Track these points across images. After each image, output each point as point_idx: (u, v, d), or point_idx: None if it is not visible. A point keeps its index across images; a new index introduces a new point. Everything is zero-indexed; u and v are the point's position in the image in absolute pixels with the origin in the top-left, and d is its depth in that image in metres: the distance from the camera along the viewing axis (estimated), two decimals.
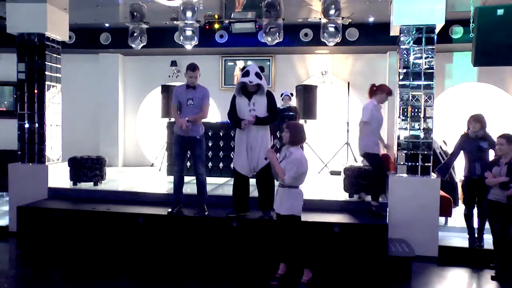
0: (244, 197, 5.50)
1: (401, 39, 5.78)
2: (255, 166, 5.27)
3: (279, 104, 7.96)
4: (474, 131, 5.64)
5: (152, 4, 7.10)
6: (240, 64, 10.08)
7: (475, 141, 5.63)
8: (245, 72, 5.22)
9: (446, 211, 6.17)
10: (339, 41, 6.97)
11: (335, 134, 9.80)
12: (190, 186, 6.35)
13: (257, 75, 5.17)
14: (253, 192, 5.75)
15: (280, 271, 4.78)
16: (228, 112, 5.44)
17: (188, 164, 6.69)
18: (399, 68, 5.83)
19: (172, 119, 6.70)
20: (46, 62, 6.76)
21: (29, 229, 5.94)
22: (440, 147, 7.59)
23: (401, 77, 5.81)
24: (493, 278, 4.92)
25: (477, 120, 5.66)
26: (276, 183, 4.88)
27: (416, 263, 5.22)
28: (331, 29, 6.74)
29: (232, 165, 5.46)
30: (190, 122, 5.39)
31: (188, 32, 7.17)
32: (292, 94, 8.67)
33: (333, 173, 8.74)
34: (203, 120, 5.68)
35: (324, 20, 6.75)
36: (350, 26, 8.31)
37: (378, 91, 5.82)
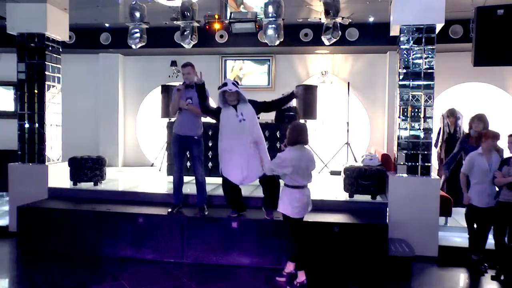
0: (238, 197, 5.54)
1: (401, 39, 5.78)
2: (252, 177, 5.22)
3: None
4: (476, 131, 5.65)
5: (152, 4, 7.10)
6: (237, 64, 10.11)
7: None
8: (223, 84, 5.34)
9: (446, 211, 6.16)
10: (335, 40, 6.97)
11: (335, 134, 9.81)
12: (190, 186, 6.35)
13: (234, 85, 5.25)
14: (253, 192, 5.76)
15: (287, 269, 4.80)
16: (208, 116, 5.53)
17: (188, 164, 6.69)
18: (399, 68, 5.82)
19: (172, 119, 6.69)
20: (46, 62, 6.77)
21: (29, 229, 5.93)
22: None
23: (401, 77, 5.81)
24: (493, 278, 4.92)
25: (480, 120, 5.68)
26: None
27: (416, 263, 5.22)
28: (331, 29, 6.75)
29: (221, 171, 5.39)
30: (189, 110, 5.45)
31: (188, 32, 7.17)
32: None
33: (333, 173, 8.74)
34: (203, 120, 5.69)
35: (324, 20, 6.76)
36: (350, 26, 8.30)
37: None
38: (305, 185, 4.61)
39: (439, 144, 6.91)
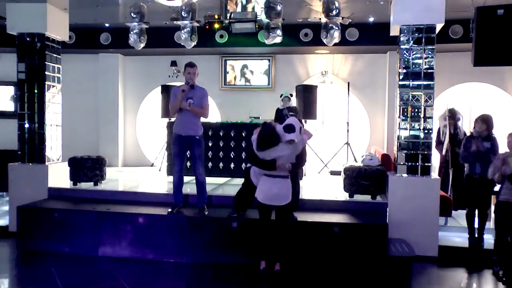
0: (248, 200, 5.52)
1: (401, 39, 5.77)
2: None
3: (279, 104, 7.96)
4: (478, 131, 5.66)
5: (152, 4, 7.10)
6: (232, 63, 10.10)
7: (478, 140, 5.65)
8: (290, 127, 4.65)
9: (446, 211, 6.16)
10: (337, 41, 6.96)
11: (335, 134, 9.81)
12: (190, 186, 6.35)
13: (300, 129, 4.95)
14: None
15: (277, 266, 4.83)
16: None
17: (188, 164, 6.69)
18: (399, 68, 5.82)
19: (172, 119, 6.69)
20: (46, 62, 6.76)
21: (29, 229, 5.93)
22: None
23: (401, 77, 5.81)
24: (499, 279, 4.89)
25: (484, 121, 5.69)
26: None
27: (416, 263, 5.22)
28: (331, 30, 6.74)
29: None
30: (191, 111, 5.44)
31: (188, 32, 7.17)
32: (291, 95, 8.66)
33: (333, 173, 8.75)
34: (202, 120, 5.69)
35: (324, 20, 6.75)
36: (350, 26, 8.31)
37: None
38: (276, 175, 4.61)
39: (445, 146, 6.86)
